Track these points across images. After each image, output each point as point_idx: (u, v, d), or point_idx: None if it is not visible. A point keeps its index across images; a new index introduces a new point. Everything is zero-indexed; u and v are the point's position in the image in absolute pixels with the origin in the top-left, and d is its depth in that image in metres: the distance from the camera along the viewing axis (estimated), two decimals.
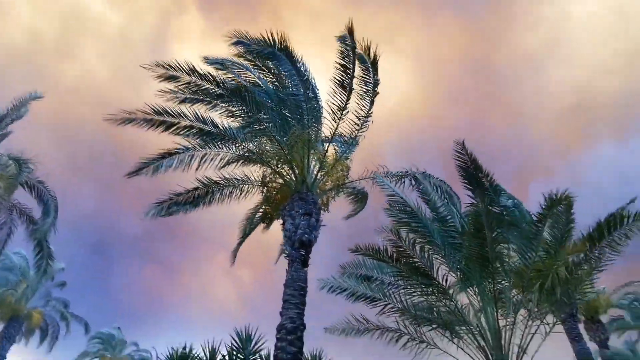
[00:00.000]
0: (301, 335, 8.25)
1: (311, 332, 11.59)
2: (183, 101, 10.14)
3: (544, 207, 7.12)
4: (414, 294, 8.37)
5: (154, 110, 10.05)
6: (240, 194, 12.33)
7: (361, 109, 10.33)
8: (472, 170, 7.15)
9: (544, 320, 7.99)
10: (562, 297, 7.86)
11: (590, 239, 7.31)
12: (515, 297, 7.81)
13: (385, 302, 8.88)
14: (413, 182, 10.32)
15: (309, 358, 11.03)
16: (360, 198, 13.45)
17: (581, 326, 17.64)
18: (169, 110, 10.15)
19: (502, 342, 7.61)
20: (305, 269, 9.30)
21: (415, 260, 7.76)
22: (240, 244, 12.67)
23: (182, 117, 10.31)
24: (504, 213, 7.61)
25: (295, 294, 8.63)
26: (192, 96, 9.99)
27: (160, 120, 10.20)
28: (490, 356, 7.55)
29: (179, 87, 9.75)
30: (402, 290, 8.65)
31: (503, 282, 7.50)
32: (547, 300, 7.76)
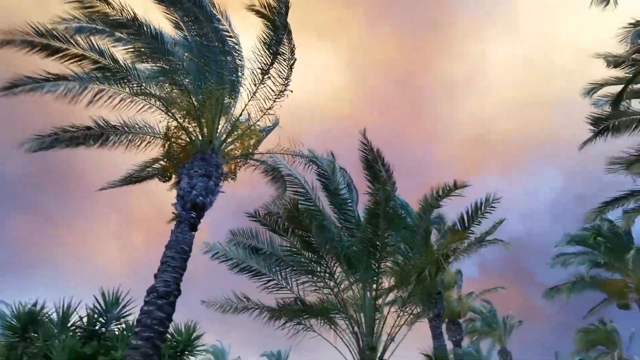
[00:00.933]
0: (173, 302, 7.60)
1: (194, 304, 10.91)
2: (80, 31, 8.75)
3: (424, 203, 7.38)
4: (301, 271, 8.26)
5: (37, 31, 8.42)
6: (141, 143, 11.07)
7: (279, 75, 9.70)
8: (373, 161, 7.25)
9: (414, 312, 8.48)
10: (430, 291, 8.41)
11: (453, 231, 7.86)
12: (395, 289, 8.15)
13: (270, 278, 8.65)
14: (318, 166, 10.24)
15: (182, 330, 10.36)
16: (275, 176, 12.95)
17: (444, 326, 19.59)
18: (57, 34, 8.60)
19: (375, 329, 7.90)
20: (193, 233, 8.63)
21: (309, 235, 7.60)
22: (123, 184, 11.44)
23: (74, 45, 8.81)
24: (395, 207, 7.85)
25: (175, 257, 7.93)
26: (90, 25, 8.64)
27: (44, 43, 8.59)
28: (361, 342, 7.79)
29: (83, 12, 8.34)
30: (289, 269, 8.50)
31: (385, 270, 7.76)
32: (418, 292, 8.20)
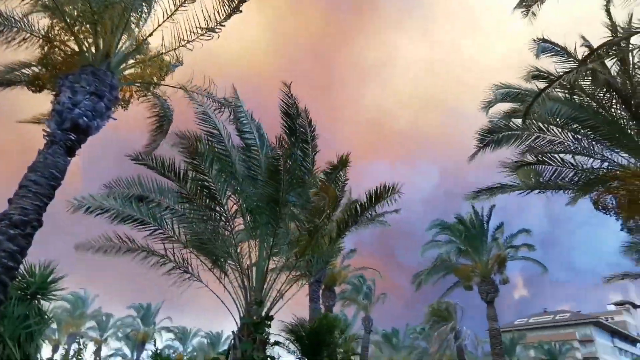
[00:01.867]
0: (31, 234, 6.32)
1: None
2: None
3: (327, 170, 7.33)
4: (193, 219, 7.62)
5: None
6: (12, 40, 8.80)
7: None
8: (294, 116, 6.94)
9: (304, 274, 8.57)
10: (323, 258, 8.60)
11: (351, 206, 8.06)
12: (293, 250, 8.07)
13: (156, 227, 7.82)
14: (232, 115, 9.51)
15: (35, 270, 8.86)
16: (162, 118, 11.51)
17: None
18: None
19: (265, 285, 7.77)
20: (69, 158, 7.25)
21: (207, 180, 6.95)
22: None
23: None
24: (303, 167, 7.67)
25: (41, 182, 6.56)
26: None
27: None
28: (249, 297, 7.59)
29: None
30: (180, 217, 7.79)
31: (283, 230, 7.62)
32: (311, 257, 8.27)
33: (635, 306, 70.08)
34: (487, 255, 23.06)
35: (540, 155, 10.77)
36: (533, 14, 10.04)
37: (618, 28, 9.95)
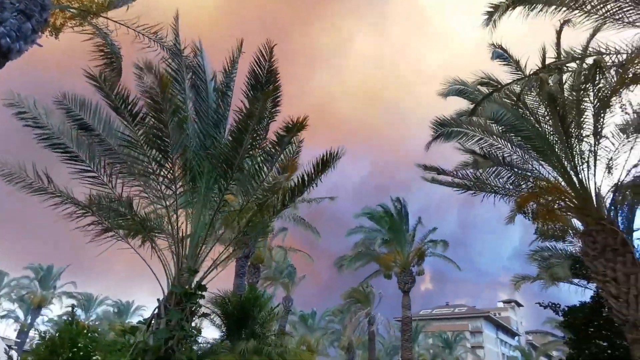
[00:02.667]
0: None
1: None
2: None
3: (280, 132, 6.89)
4: (137, 171, 6.82)
5: None
6: None
7: None
8: (262, 73, 6.45)
9: (240, 247, 8.21)
10: (260, 232, 8.30)
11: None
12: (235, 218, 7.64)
13: (87, 167, 6.88)
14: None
15: None
16: (109, 54, 10.21)
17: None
18: None
19: (199, 253, 7.28)
20: None
21: (164, 129, 6.19)
22: None
23: None
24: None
25: None
26: None
27: None
28: (181, 264, 7.05)
29: None
30: (118, 163, 6.93)
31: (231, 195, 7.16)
32: (252, 229, 7.94)
33: (519, 305, 79.94)
34: (408, 248, 24.39)
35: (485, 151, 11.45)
36: (494, 23, 10.46)
37: (562, 51, 10.79)
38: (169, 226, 7.09)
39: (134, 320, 44.03)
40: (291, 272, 31.36)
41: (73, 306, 10.96)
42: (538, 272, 16.01)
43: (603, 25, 9.40)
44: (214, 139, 6.68)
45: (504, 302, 79.72)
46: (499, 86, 11.10)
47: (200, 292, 6.74)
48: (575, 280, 14.89)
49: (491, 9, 10.13)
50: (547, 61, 10.32)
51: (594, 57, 9.87)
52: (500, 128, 11.59)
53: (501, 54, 11.65)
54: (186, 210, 7.36)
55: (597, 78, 10.00)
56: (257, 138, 6.46)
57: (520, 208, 10.88)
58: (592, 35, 10.12)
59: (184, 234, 7.23)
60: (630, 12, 8.82)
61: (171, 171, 6.42)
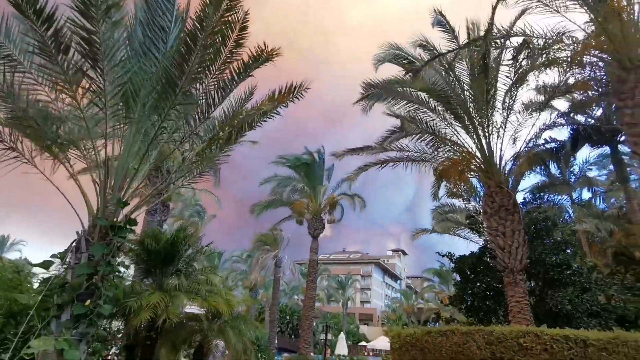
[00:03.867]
0: None
1: None
2: None
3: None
4: (52, 77, 5.64)
5: None
6: None
7: None
8: None
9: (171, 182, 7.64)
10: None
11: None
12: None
13: None
14: None
15: None
16: None
17: None
18: None
19: (128, 183, 6.56)
20: None
21: (96, 31, 5.04)
22: None
23: None
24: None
25: None
26: None
27: None
28: (106, 194, 6.28)
29: None
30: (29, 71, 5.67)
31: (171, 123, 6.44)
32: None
33: (404, 253, 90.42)
34: (321, 196, 25.34)
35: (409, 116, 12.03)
36: None
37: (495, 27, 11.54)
38: (93, 152, 6.18)
39: (10, 256, 39.23)
40: (200, 212, 30.59)
41: None
42: (432, 225, 18.09)
43: (533, 8, 10.27)
44: (157, 51, 5.75)
45: (393, 250, 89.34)
46: (436, 53, 11.63)
47: (129, 227, 6.17)
48: (462, 234, 17.25)
49: None
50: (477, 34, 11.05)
51: (521, 37, 10.82)
52: (427, 95, 12.26)
53: (441, 20, 12.02)
54: (116, 135, 6.44)
55: (520, 57, 10.99)
56: (211, 57, 5.75)
57: (443, 176, 11.91)
58: (520, 15, 10.98)
59: (109, 161, 6.39)
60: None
61: (101, 85, 5.44)
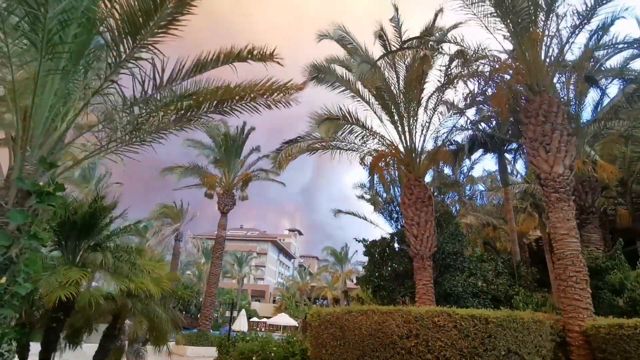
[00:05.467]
0: None
1: None
2: None
3: None
4: None
5: None
6: None
7: None
8: None
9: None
10: None
11: None
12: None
13: None
14: None
15: None
16: None
17: None
18: None
19: (55, 137, 5.48)
20: None
21: None
22: None
23: None
24: None
25: None
26: None
27: None
28: (25, 150, 5.14)
29: None
30: None
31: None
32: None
33: (300, 233, 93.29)
34: (236, 171, 24.63)
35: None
36: None
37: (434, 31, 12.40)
38: (11, 92, 4.95)
39: None
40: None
41: None
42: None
43: (467, 21, 11.31)
44: None
45: (289, 230, 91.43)
46: (391, 50, 12.11)
47: (58, 193, 5.18)
48: (372, 220, 18.55)
49: None
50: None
51: (454, 44, 11.81)
52: (362, 86, 12.76)
53: (395, 17, 12.51)
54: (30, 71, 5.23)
55: (452, 64, 12.05)
56: None
57: (375, 167, 12.53)
58: (454, 27, 12.04)
59: (31, 109, 5.25)
60: (491, 20, 10.88)
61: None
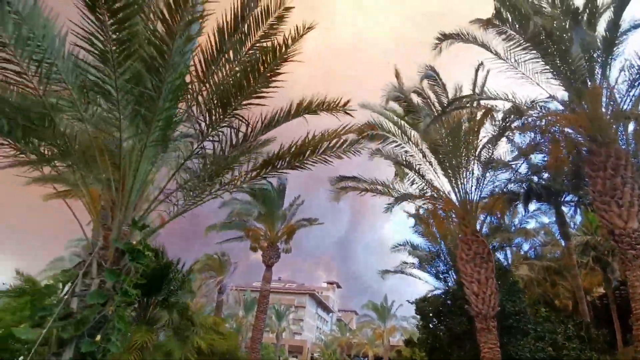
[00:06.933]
0: None
1: None
2: None
3: None
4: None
5: None
6: None
7: None
8: None
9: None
10: None
11: None
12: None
13: None
14: None
15: None
16: None
17: None
18: None
19: (140, 196, 5.93)
20: None
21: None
22: None
23: None
24: None
25: None
26: None
27: None
28: (120, 212, 5.59)
29: None
30: None
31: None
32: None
33: (339, 286, 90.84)
34: (279, 224, 24.88)
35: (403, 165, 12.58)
36: (440, 50, 11.47)
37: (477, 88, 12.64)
38: (107, 159, 5.48)
39: None
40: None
41: None
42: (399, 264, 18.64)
43: (517, 79, 11.44)
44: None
45: (328, 283, 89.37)
46: (439, 108, 12.45)
47: (148, 252, 5.52)
48: (420, 275, 17.96)
49: (440, 38, 11.19)
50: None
51: (502, 100, 11.90)
52: (420, 140, 12.96)
53: (432, 75, 12.90)
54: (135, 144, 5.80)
55: (507, 121, 12.07)
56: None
57: (429, 217, 12.42)
58: (483, 79, 12.23)
59: (126, 175, 5.75)
60: (542, 73, 10.97)
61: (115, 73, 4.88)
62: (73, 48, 5.25)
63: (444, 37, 11.12)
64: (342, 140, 6.74)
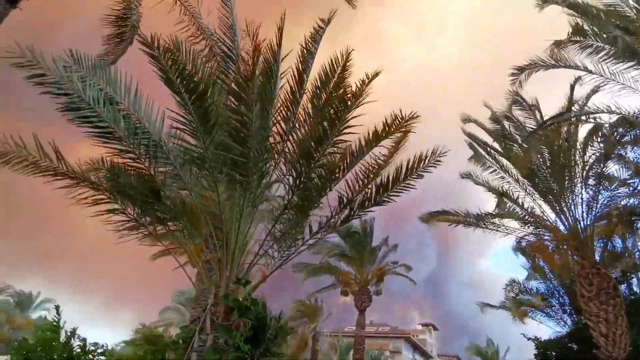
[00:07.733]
0: None
1: None
2: None
3: None
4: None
5: None
6: None
7: None
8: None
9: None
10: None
11: None
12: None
13: (124, 146, 5.62)
14: None
15: None
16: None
17: None
18: None
19: (243, 257, 6.34)
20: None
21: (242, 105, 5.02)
22: None
23: None
24: None
25: None
26: None
27: None
28: (228, 270, 6.03)
29: None
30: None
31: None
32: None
33: (435, 328, 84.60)
34: (369, 267, 24.42)
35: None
36: (520, 84, 10.92)
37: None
38: (212, 222, 6.02)
39: (34, 315, 38.40)
40: None
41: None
42: (504, 302, 16.95)
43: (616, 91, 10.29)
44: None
45: (422, 324, 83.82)
46: (519, 125, 11.71)
47: (256, 308, 5.80)
48: (536, 317, 16.01)
49: (517, 71, 10.66)
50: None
51: (607, 112, 10.72)
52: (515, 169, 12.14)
53: (518, 100, 12.25)
54: (238, 208, 6.31)
55: (616, 135, 10.83)
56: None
57: (533, 252, 11.37)
58: (592, 93, 11.14)
59: (228, 234, 6.22)
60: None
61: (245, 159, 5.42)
62: (170, 129, 6.10)
63: (520, 70, 10.58)
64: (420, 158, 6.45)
